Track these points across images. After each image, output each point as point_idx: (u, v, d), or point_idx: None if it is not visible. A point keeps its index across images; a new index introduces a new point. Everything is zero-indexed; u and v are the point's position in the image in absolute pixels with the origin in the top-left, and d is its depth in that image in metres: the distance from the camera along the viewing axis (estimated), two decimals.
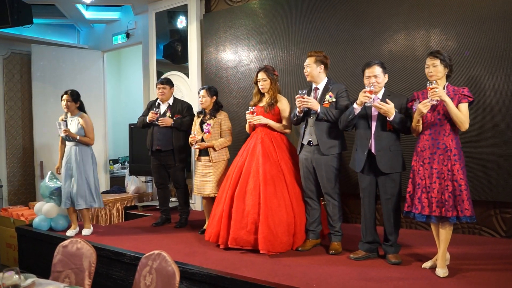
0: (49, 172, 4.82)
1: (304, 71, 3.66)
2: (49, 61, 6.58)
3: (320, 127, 3.53)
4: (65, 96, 4.34)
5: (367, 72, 3.25)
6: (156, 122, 4.58)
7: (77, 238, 2.71)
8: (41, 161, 6.44)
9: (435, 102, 2.89)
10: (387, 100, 3.13)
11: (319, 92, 3.61)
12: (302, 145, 3.66)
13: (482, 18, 3.81)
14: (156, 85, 4.77)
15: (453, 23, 3.95)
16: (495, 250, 3.49)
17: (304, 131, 3.63)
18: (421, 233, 4.12)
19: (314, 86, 3.66)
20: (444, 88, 2.97)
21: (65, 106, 4.35)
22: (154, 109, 4.64)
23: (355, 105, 3.24)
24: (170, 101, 4.74)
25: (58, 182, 4.62)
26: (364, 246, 3.38)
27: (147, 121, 4.63)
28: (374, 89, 3.16)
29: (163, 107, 4.72)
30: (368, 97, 3.13)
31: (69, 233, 4.38)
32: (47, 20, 6.92)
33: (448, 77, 3.01)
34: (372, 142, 3.22)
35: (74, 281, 2.53)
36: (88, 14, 6.76)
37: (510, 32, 3.68)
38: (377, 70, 3.23)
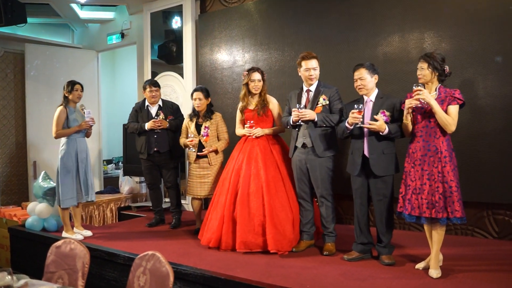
0: (42, 172, 4.80)
1: (310, 73, 3.57)
2: (43, 60, 6.54)
3: (315, 130, 3.53)
4: (79, 86, 4.28)
5: (354, 75, 3.30)
6: (159, 131, 4.56)
7: (71, 239, 2.69)
8: (34, 161, 6.40)
9: (418, 103, 2.93)
10: (375, 116, 3.16)
11: (311, 94, 3.62)
12: (296, 147, 3.66)
13: (475, 21, 3.83)
14: (146, 87, 4.66)
15: (447, 25, 3.97)
16: (487, 251, 3.52)
17: (297, 134, 3.63)
18: (414, 234, 4.14)
19: (306, 88, 3.66)
20: (435, 90, 3.00)
21: (78, 97, 4.29)
22: (156, 117, 4.59)
23: (346, 124, 3.26)
24: (160, 103, 4.74)
25: (51, 182, 4.60)
26: (358, 247, 3.39)
27: (147, 129, 4.56)
28: (363, 109, 3.18)
29: (153, 109, 4.71)
30: (356, 117, 3.15)
31: (85, 233, 4.33)
32: (41, 19, 6.89)
33: (441, 80, 3.03)
34: (365, 145, 3.24)
35: (67, 282, 2.51)
36: (83, 14, 6.73)
37: (503, 35, 3.71)
38: (363, 72, 3.25)
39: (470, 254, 3.44)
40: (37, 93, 6.46)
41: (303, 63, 3.60)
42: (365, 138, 3.25)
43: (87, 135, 4.41)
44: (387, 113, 3.18)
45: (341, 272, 3.09)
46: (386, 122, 3.16)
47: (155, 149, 4.60)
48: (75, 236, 4.21)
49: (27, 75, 6.44)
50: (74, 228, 4.40)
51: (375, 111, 3.22)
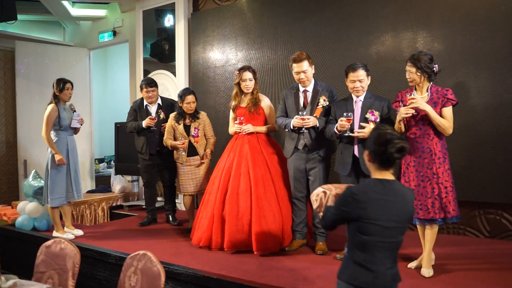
0: (32, 171, 4.75)
1: (300, 77, 3.49)
2: (34, 58, 6.47)
3: (316, 133, 3.51)
4: (70, 85, 4.22)
5: (352, 76, 3.22)
6: (155, 128, 4.50)
7: (61, 239, 2.66)
8: (25, 160, 6.34)
9: (413, 111, 2.91)
10: (362, 124, 3.14)
11: (309, 95, 3.57)
12: (296, 149, 3.58)
13: (467, 21, 3.85)
14: (142, 87, 4.61)
15: (439, 25, 3.98)
16: (479, 250, 3.53)
17: (298, 135, 3.55)
18: (407, 233, 4.13)
19: (303, 88, 3.59)
20: (427, 91, 2.99)
21: (69, 96, 4.22)
22: (154, 115, 4.54)
23: (335, 130, 3.24)
24: (159, 101, 4.69)
25: (42, 181, 4.55)
26: None
27: (144, 126, 4.50)
28: (352, 117, 3.14)
29: (153, 108, 4.65)
30: (344, 125, 3.11)
31: (76, 233, 4.29)
32: (32, 17, 6.81)
33: (431, 80, 3.02)
34: (356, 146, 3.21)
35: (57, 282, 2.49)
36: (74, 11, 6.67)
37: (495, 34, 3.73)
38: (361, 73, 3.21)
39: (462, 253, 3.46)
40: (27, 91, 6.39)
41: (293, 65, 3.52)
42: (355, 139, 3.23)
43: (75, 132, 4.37)
44: (376, 113, 3.16)
45: (334, 271, 3.06)
46: (375, 123, 3.14)
47: (158, 148, 4.55)
48: (66, 236, 4.17)
49: (18, 73, 6.36)
50: (65, 228, 4.35)
51: (364, 111, 3.20)
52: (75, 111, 4.25)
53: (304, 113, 3.44)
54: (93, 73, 7.19)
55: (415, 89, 3.05)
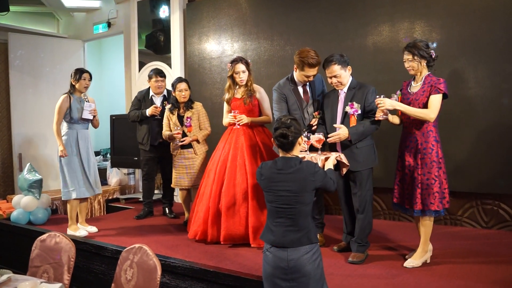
0: (27, 164, 4.71)
1: (308, 80, 3.38)
2: (28, 50, 6.40)
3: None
4: (87, 75, 4.11)
5: (327, 73, 3.13)
6: (159, 117, 4.44)
7: (56, 232, 2.63)
8: (20, 153, 6.29)
9: (384, 117, 2.93)
10: (335, 125, 3.07)
11: (308, 88, 3.49)
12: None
13: (466, 11, 3.82)
14: (151, 77, 4.55)
15: (437, 15, 3.95)
16: (476, 241, 3.53)
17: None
18: (405, 224, 4.15)
19: (301, 83, 3.46)
20: (421, 80, 2.95)
21: (85, 86, 4.11)
22: (160, 104, 4.49)
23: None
24: (165, 93, 4.64)
25: (37, 175, 4.52)
26: (347, 237, 3.37)
27: (148, 115, 4.46)
28: (323, 138, 2.98)
29: (158, 100, 4.60)
30: (318, 143, 2.98)
31: (89, 229, 4.17)
32: (24, 8, 6.73)
33: (429, 66, 2.98)
34: (338, 142, 3.14)
35: (52, 276, 2.47)
36: (68, 2, 6.57)
37: (494, 25, 3.70)
38: (335, 68, 3.08)
39: (460, 244, 3.45)
40: (21, 83, 6.33)
41: (305, 68, 3.29)
42: (337, 143, 3.18)
43: (94, 125, 4.27)
44: (356, 105, 3.05)
45: (331, 263, 3.07)
46: (355, 116, 3.06)
47: (160, 140, 4.49)
48: (79, 233, 4.05)
49: (11, 65, 6.29)
50: (78, 224, 4.22)
51: (346, 104, 3.11)
52: (87, 101, 4.11)
53: (307, 127, 3.30)
54: (88, 65, 7.09)
55: (414, 79, 3.02)
